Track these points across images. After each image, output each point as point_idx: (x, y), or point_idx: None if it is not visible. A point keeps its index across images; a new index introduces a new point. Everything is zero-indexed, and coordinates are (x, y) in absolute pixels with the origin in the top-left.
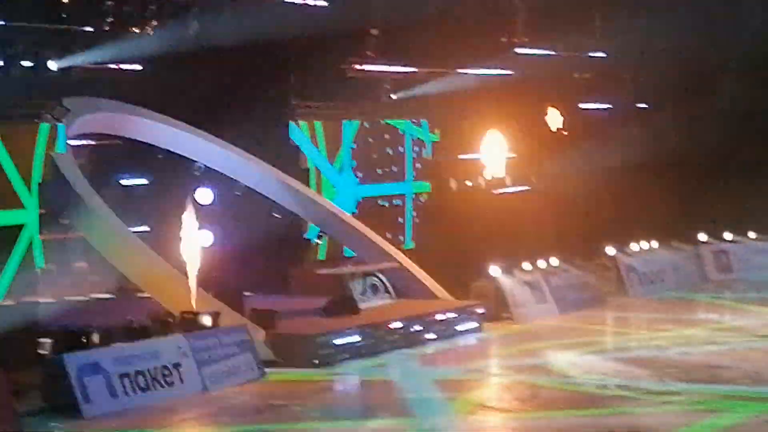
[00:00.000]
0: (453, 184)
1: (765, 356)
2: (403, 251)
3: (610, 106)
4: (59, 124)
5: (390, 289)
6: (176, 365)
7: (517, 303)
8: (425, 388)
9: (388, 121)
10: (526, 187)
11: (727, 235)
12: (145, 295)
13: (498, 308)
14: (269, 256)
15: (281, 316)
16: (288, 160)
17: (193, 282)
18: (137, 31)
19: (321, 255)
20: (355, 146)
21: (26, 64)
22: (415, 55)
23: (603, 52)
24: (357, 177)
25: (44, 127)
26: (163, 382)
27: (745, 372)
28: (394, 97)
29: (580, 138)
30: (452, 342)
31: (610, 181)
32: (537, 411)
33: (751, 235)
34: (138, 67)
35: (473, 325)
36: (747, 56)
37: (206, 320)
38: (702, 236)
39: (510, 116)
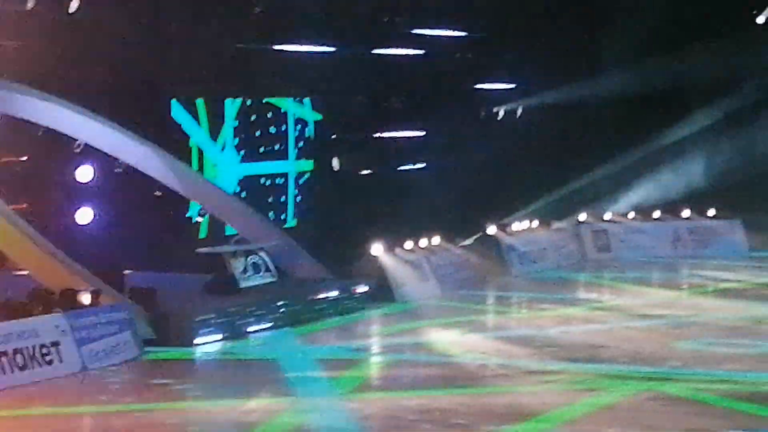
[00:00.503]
0: (335, 162)
1: (644, 335)
2: (286, 230)
3: (516, 85)
4: None
5: (272, 267)
6: (55, 344)
7: (399, 282)
8: (307, 367)
9: (271, 100)
10: (411, 166)
11: (607, 215)
12: (24, 272)
13: (380, 287)
14: (150, 233)
15: (162, 295)
16: (169, 137)
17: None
18: (16, 6)
19: (202, 233)
20: (237, 124)
21: None
22: (300, 32)
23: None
24: (239, 155)
25: None
26: (41, 361)
27: (624, 351)
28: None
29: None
30: (334, 320)
31: (492, 161)
32: (418, 390)
33: (630, 215)
34: (16, 42)
35: (355, 303)
36: (625, 43)
37: (86, 298)
38: (582, 216)
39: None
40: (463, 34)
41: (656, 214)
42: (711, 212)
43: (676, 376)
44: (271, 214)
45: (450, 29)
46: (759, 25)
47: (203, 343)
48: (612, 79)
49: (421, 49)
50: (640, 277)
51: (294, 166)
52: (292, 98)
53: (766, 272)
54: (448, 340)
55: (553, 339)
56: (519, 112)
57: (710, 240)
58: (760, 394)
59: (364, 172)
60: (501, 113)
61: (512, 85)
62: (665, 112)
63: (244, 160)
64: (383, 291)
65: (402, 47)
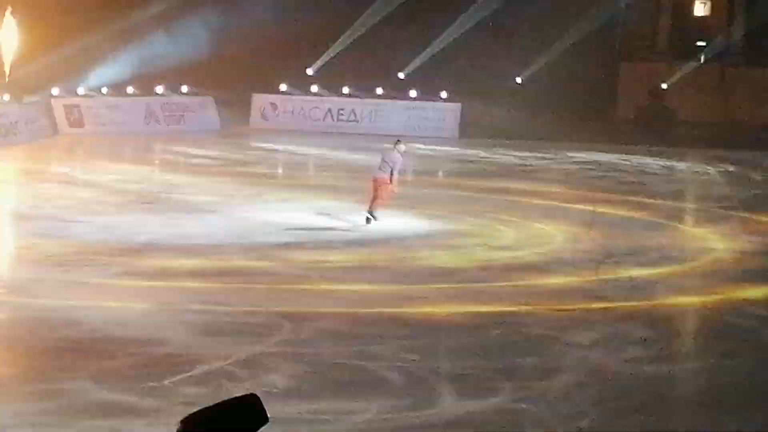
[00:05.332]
0: None
1: (116, 210)
2: None
3: None
4: None
5: None
6: None
7: None
8: None
9: None
10: None
11: (80, 90)
12: None
13: None
14: None
15: None
16: None
17: None
18: None
19: None
20: None
21: None
22: None
23: None
24: None
25: None
26: None
27: (95, 226)
28: None
29: None
30: None
31: None
32: None
33: (104, 90)
34: None
35: None
36: None
37: None
38: (54, 90)
39: None
40: None
41: (129, 89)
42: (184, 89)
43: (148, 251)
44: None
45: None
46: None
47: None
48: None
49: None
50: (112, 152)
51: None
52: None
53: (235, 149)
54: None
55: (23, 214)
56: None
57: (183, 116)
58: (226, 269)
59: None
60: None
61: None
62: None
63: None
64: None
65: None
